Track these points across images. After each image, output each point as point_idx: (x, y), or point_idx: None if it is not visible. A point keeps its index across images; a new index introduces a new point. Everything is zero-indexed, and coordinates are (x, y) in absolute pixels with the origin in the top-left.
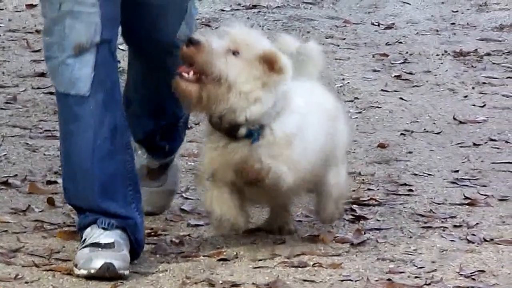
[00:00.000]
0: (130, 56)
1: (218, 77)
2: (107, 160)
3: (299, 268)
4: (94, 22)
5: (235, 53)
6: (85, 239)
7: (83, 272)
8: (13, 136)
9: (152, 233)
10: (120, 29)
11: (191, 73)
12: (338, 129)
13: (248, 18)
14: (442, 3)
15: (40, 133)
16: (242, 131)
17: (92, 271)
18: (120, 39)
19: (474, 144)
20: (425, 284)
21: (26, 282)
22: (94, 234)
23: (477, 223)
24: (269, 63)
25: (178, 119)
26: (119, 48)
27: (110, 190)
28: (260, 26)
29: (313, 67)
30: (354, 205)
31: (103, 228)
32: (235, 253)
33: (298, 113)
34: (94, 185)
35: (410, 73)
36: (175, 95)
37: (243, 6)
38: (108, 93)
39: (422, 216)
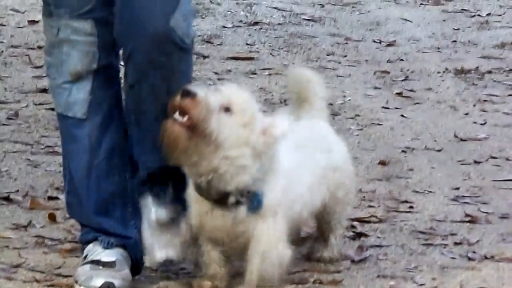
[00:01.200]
0: (125, 77)
1: (209, 134)
2: (104, 180)
3: (300, 285)
4: (91, 50)
5: (227, 111)
6: (86, 255)
7: None
8: (14, 152)
9: None
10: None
11: (185, 118)
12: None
13: (249, 35)
14: (444, 20)
15: (42, 149)
16: (232, 199)
17: None
18: None
19: (475, 162)
20: None
21: None
22: (96, 251)
23: (478, 241)
24: (265, 128)
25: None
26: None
27: (108, 209)
28: (261, 43)
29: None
30: (355, 222)
31: (104, 247)
32: (236, 270)
33: (285, 177)
34: (92, 204)
35: (411, 90)
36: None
37: (244, 23)
38: (105, 115)
39: (423, 233)
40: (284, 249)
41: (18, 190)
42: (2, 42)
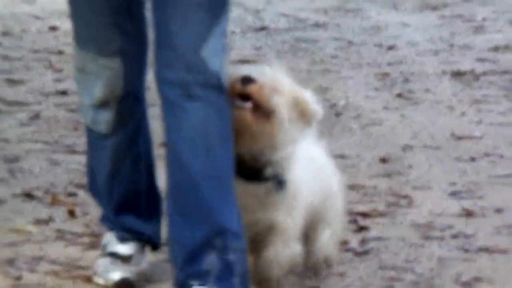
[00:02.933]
0: (162, 113)
1: (272, 114)
2: (129, 182)
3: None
4: (117, 82)
5: (278, 92)
6: (105, 245)
7: (101, 281)
8: (36, 151)
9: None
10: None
11: (248, 103)
12: (331, 190)
13: (257, 39)
14: (441, 25)
15: (62, 148)
16: (269, 171)
17: (110, 282)
18: None
19: (471, 159)
20: None
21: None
22: (114, 242)
23: (474, 233)
24: (303, 107)
25: (223, 232)
26: None
27: (129, 208)
28: (268, 47)
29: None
30: (358, 216)
31: (121, 240)
32: None
33: (305, 161)
34: (113, 204)
35: (411, 92)
36: (216, 185)
37: (252, 28)
38: (131, 131)
39: (422, 226)
40: (296, 244)
41: (39, 187)
42: (24, 47)
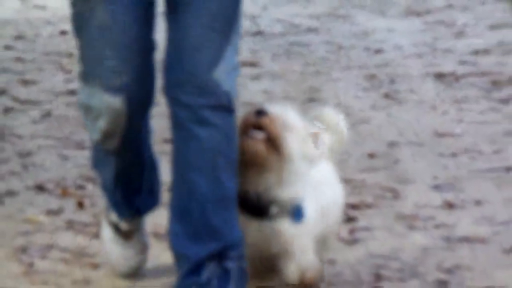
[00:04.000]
0: (173, 135)
1: (282, 148)
2: (130, 182)
3: None
4: (121, 117)
5: (290, 128)
6: (108, 215)
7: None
8: (47, 147)
9: None
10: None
11: (261, 134)
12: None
13: (254, 43)
14: (424, 30)
15: (71, 144)
16: (274, 209)
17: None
18: None
19: (452, 154)
20: (409, 277)
21: (60, 275)
22: (116, 217)
23: (455, 224)
24: (315, 143)
25: (226, 247)
26: None
27: (130, 199)
28: (264, 50)
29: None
30: (347, 208)
31: (123, 217)
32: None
33: (317, 190)
34: (118, 200)
35: (396, 92)
36: (221, 200)
37: (249, 33)
38: (135, 149)
39: (407, 217)
40: (314, 257)
41: (50, 180)
42: (36, 50)
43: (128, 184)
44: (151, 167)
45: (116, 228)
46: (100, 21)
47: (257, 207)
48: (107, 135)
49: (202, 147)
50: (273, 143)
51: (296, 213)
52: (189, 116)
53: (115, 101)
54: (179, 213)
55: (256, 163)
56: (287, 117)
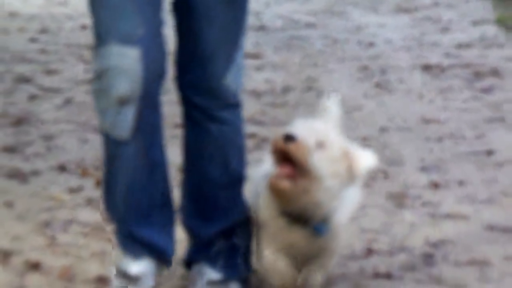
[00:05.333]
0: (184, 130)
1: (312, 172)
2: (145, 194)
3: None
4: (137, 78)
5: (321, 146)
6: (117, 263)
7: None
8: (69, 131)
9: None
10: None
11: (285, 169)
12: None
13: (257, 37)
14: (413, 26)
15: (90, 128)
16: (314, 221)
17: None
18: None
19: (438, 139)
20: (398, 251)
21: (80, 247)
22: (125, 261)
23: (439, 202)
24: (351, 162)
25: (233, 225)
26: None
27: (145, 220)
28: (266, 43)
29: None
30: None
31: (133, 256)
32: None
33: (349, 204)
34: (130, 216)
35: (387, 82)
36: (229, 184)
37: (253, 28)
38: (148, 137)
39: (396, 196)
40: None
41: (71, 161)
42: (59, 42)
43: (141, 193)
44: (164, 178)
45: (123, 275)
46: None
47: (298, 219)
48: (123, 101)
49: (213, 139)
50: (302, 169)
51: (319, 228)
52: (201, 114)
53: (133, 52)
54: (191, 194)
55: (286, 197)
56: (322, 135)
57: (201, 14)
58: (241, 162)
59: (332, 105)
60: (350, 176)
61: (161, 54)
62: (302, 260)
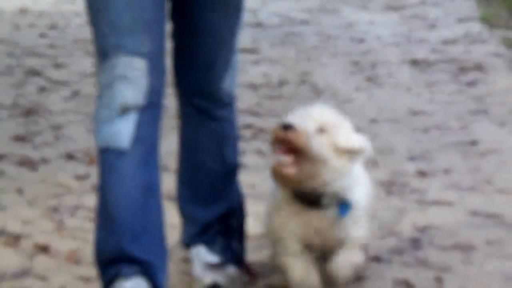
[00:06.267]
0: (181, 125)
1: (314, 156)
2: (140, 214)
3: None
4: (142, 87)
5: (322, 131)
6: None
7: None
8: (76, 121)
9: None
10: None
11: (288, 157)
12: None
13: (254, 33)
14: (401, 23)
15: None
16: (326, 201)
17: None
18: None
19: (425, 130)
20: (387, 235)
21: (86, 231)
22: (116, 285)
23: (426, 189)
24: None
25: (230, 209)
26: None
27: (139, 240)
28: (263, 39)
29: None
30: None
31: (126, 277)
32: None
33: (363, 184)
34: (124, 232)
35: (377, 76)
36: (224, 173)
37: (250, 25)
38: (146, 151)
39: (385, 183)
40: (361, 254)
41: (78, 150)
42: (67, 38)
43: (136, 212)
44: (159, 200)
45: None
46: None
47: (311, 200)
48: (125, 110)
49: (210, 135)
50: (304, 155)
51: (341, 207)
52: (200, 114)
53: (140, 63)
54: (188, 183)
55: (290, 183)
56: (322, 120)
57: (198, 26)
58: (235, 153)
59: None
60: (350, 157)
61: (163, 70)
62: (324, 251)
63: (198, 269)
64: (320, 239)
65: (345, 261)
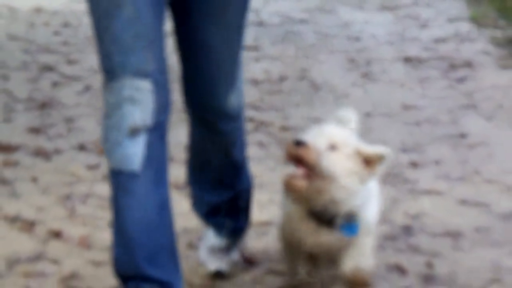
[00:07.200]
0: (189, 130)
1: (324, 172)
2: (154, 233)
3: None
4: (149, 108)
5: (333, 148)
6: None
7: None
8: (88, 114)
9: None
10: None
11: (300, 170)
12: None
13: (256, 32)
14: (395, 22)
15: None
16: (339, 221)
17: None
18: None
19: (417, 123)
20: (381, 222)
21: (97, 218)
22: None
23: (418, 179)
24: (366, 159)
25: (237, 193)
26: None
27: (156, 260)
28: (264, 37)
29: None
30: None
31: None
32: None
33: (375, 199)
34: (142, 255)
35: (372, 72)
36: (231, 165)
37: (253, 24)
38: (157, 171)
39: (379, 174)
40: (372, 259)
41: (90, 141)
42: (79, 35)
43: (150, 231)
44: (170, 217)
45: None
46: (128, 15)
47: (324, 219)
48: (134, 132)
49: (218, 145)
50: (316, 172)
51: (348, 228)
52: (207, 127)
53: (146, 84)
54: (197, 174)
55: (300, 196)
56: (334, 137)
57: (201, 45)
58: (242, 151)
59: (349, 115)
60: (367, 173)
61: (167, 87)
62: (327, 258)
63: (203, 254)
64: (325, 253)
65: (358, 265)
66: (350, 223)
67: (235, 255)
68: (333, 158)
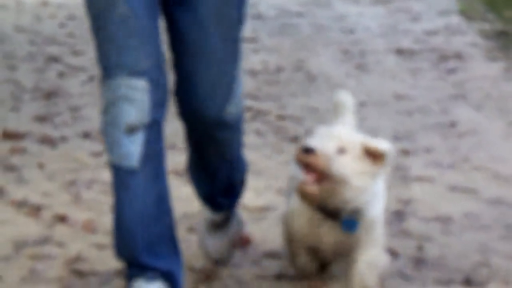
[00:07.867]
0: (185, 131)
1: (335, 175)
2: (153, 225)
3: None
4: (145, 106)
5: (342, 151)
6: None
7: None
8: (92, 103)
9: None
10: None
11: (310, 176)
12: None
13: (254, 24)
14: (388, 16)
15: None
16: (343, 215)
17: None
18: None
19: (408, 112)
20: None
21: (101, 203)
22: (138, 285)
23: (409, 166)
24: (373, 156)
25: (233, 181)
26: None
27: (155, 250)
28: (262, 29)
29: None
30: None
31: (147, 280)
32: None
33: (381, 195)
34: (140, 246)
35: (365, 63)
36: (227, 163)
37: (251, 16)
38: (155, 166)
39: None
40: (384, 256)
41: (94, 129)
42: (84, 27)
43: (150, 224)
44: (169, 209)
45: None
46: (122, 13)
47: (332, 214)
48: (132, 129)
49: (215, 148)
50: (325, 177)
51: (347, 224)
52: (204, 136)
53: (141, 83)
54: (194, 166)
55: (314, 202)
56: (342, 139)
57: (198, 55)
58: (239, 148)
59: (345, 100)
60: (377, 164)
61: (163, 85)
62: (331, 255)
63: (202, 231)
64: (331, 247)
65: (369, 265)
66: (352, 220)
67: (233, 231)
68: (343, 162)
